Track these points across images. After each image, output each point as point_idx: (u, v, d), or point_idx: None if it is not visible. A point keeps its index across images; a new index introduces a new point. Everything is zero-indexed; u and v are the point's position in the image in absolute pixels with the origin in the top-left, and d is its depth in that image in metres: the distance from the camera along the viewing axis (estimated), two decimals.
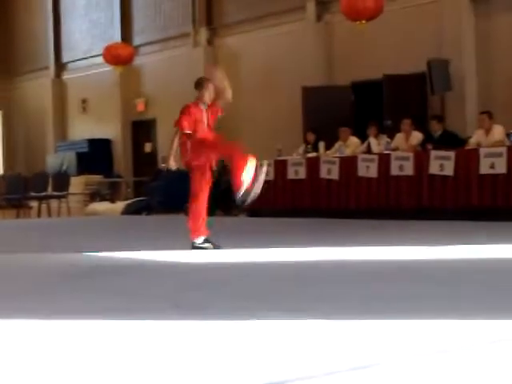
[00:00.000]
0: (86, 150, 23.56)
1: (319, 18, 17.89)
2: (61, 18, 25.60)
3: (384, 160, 13.17)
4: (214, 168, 9.01)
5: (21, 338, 4.28)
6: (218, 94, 8.92)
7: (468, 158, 12.10)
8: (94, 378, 3.34)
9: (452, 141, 13.07)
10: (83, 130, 24.52)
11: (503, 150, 11.75)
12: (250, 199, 8.58)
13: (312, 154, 14.77)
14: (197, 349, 3.84)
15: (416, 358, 3.48)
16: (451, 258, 7.42)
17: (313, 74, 17.57)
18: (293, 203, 14.52)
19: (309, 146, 15.19)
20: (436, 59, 14.95)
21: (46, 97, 25.76)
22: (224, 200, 14.64)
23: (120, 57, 19.86)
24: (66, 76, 25.60)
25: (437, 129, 13.52)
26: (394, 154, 13.12)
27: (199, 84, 8.96)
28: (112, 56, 19.84)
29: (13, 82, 27.34)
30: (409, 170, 12.78)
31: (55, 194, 19.57)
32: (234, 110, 17.34)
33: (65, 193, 19.62)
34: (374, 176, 13.24)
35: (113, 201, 20.08)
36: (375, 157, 13.42)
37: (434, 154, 12.52)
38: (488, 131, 12.59)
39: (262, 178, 8.53)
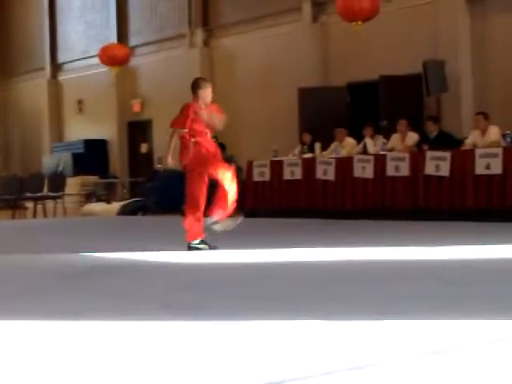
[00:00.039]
0: (81, 150, 23.55)
1: (315, 19, 17.90)
2: (57, 18, 25.59)
3: (380, 161, 13.18)
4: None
5: (17, 339, 4.28)
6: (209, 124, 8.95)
7: (464, 159, 12.12)
8: (88, 378, 3.34)
9: (448, 141, 13.09)
10: (79, 130, 24.50)
11: (499, 150, 11.76)
12: (218, 229, 8.70)
13: (308, 155, 14.78)
14: (190, 349, 3.84)
15: (413, 358, 3.49)
16: (449, 259, 7.43)
17: (309, 75, 17.58)
18: (289, 204, 14.53)
19: (305, 147, 15.20)
20: (432, 60, 14.96)
21: (41, 97, 25.74)
22: None
23: (116, 58, 19.87)
24: (61, 77, 25.59)
25: (432, 129, 13.54)
26: (389, 155, 13.13)
27: (195, 86, 8.96)
28: (108, 57, 19.84)
29: (9, 83, 27.33)
30: (405, 170, 12.79)
31: (51, 194, 19.55)
32: (230, 110, 17.37)
33: (61, 193, 19.60)
34: (369, 177, 13.26)
35: (109, 201, 20.07)
36: (371, 157, 13.43)
37: (429, 154, 12.54)
38: (484, 132, 12.61)
39: (233, 223, 8.72)
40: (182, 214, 9.20)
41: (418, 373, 3.23)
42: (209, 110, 8.86)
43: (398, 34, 16.08)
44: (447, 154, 12.27)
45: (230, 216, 8.73)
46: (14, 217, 18.92)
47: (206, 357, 3.65)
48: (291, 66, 17.98)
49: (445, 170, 12.24)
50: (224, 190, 8.64)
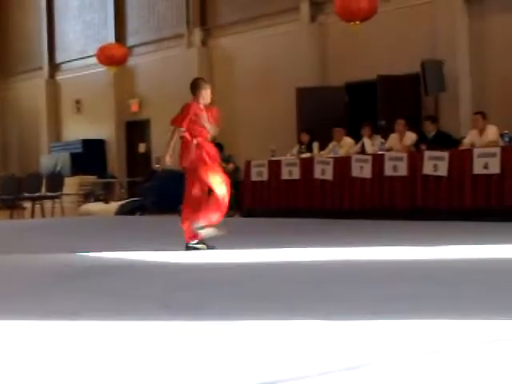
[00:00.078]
0: (79, 150, 23.54)
1: (313, 18, 17.90)
2: (54, 18, 25.57)
3: (378, 160, 13.18)
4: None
5: (15, 339, 4.28)
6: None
7: (462, 159, 12.12)
8: (87, 379, 3.34)
9: (446, 141, 13.09)
10: (77, 130, 24.49)
11: (497, 150, 11.77)
12: (204, 234, 8.70)
13: (306, 155, 14.78)
14: (188, 349, 3.84)
15: (410, 358, 3.49)
16: (447, 259, 7.43)
17: (307, 75, 17.58)
18: (287, 203, 14.53)
19: (303, 147, 15.20)
20: (430, 60, 14.97)
21: (39, 97, 25.73)
22: None
23: (114, 57, 19.86)
24: (59, 76, 25.57)
25: (431, 129, 13.54)
26: (387, 155, 13.13)
27: (194, 86, 8.96)
28: (106, 57, 19.83)
29: (6, 83, 27.31)
30: (403, 170, 12.79)
31: (49, 194, 19.53)
32: (228, 110, 17.38)
33: (59, 193, 19.58)
34: (367, 176, 13.26)
35: (107, 201, 20.06)
36: (369, 157, 13.43)
37: (427, 154, 12.54)
38: (482, 131, 12.62)
39: (218, 233, 8.70)
40: (180, 213, 9.20)
41: (414, 372, 3.24)
42: (209, 113, 8.88)
43: (396, 33, 16.09)
44: (445, 154, 12.28)
45: (216, 225, 8.72)
46: (11, 217, 18.91)
47: (203, 356, 3.65)
48: (289, 65, 17.98)
49: (443, 170, 12.24)
50: (216, 195, 8.62)
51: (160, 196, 17.30)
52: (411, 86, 15.49)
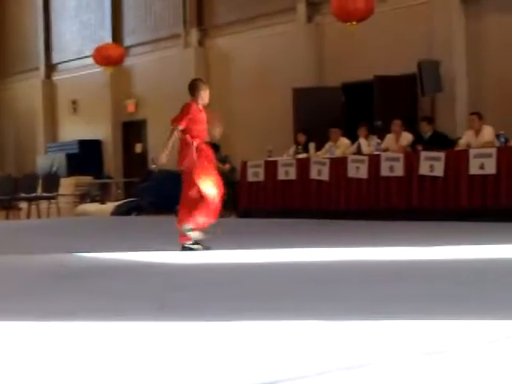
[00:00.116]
0: (76, 151, 23.51)
1: (310, 19, 17.90)
2: (51, 18, 25.54)
3: (374, 161, 13.19)
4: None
5: (11, 339, 4.27)
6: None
7: (458, 159, 12.13)
8: (83, 379, 3.34)
9: (442, 142, 13.11)
10: (73, 130, 24.46)
11: (493, 150, 11.78)
12: (192, 236, 8.70)
13: (302, 155, 14.78)
14: (186, 349, 3.84)
15: (409, 358, 3.49)
16: (444, 259, 7.43)
17: (304, 75, 17.57)
18: (283, 204, 14.52)
19: (299, 147, 15.20)
20: (426, 60, 14.97)
21: (36, 98, 25.70)
22: None
23: (110, 58, 19.85)
24: (56, 77, 25.55)
25: (427, 130, 13.55)
26: (384, 155, 13.14)
27: (193, 87, 8.96)
28: (102, 57, 19.82)
29: (3, 83, 27.27)
30: (399, 170, 12.80)
31: (45, 195, 19.52)
32: (225, 110, 17.37)
33: (55, 194, 19.57)
34: (364, 177, 13.26)
35: (103, 202, 20.05)
36: (365, 158, 13.44)
37: (423, 154, 12.55)
38: (478, 132, 12.63)
39: (201, 237, 8.72)
40: (176, 214, 9.19)
41: (414, 373, 3.23)
42: (209, 115, 8.89)
43: (393, 34, 16.09)
44: (441, 155, 12.29)
45: (204, 229, 8.72)
46: (7, 217, 18.88)
47: (200, 357, 3.65)
48: (286, 66, 17.98)
49: (439, 170, 12.25)
50: (205, 198, 8.62)
51: (156, 196, 17.29)
52: (408, 87, 15.50)
